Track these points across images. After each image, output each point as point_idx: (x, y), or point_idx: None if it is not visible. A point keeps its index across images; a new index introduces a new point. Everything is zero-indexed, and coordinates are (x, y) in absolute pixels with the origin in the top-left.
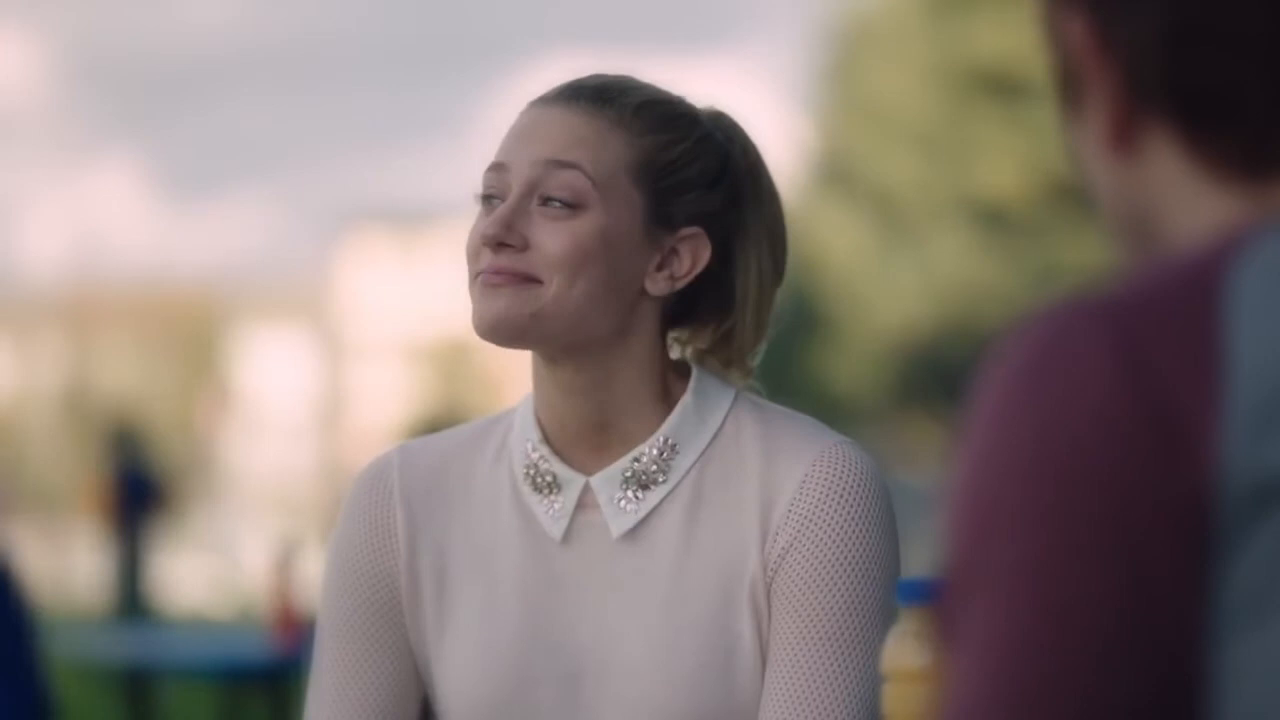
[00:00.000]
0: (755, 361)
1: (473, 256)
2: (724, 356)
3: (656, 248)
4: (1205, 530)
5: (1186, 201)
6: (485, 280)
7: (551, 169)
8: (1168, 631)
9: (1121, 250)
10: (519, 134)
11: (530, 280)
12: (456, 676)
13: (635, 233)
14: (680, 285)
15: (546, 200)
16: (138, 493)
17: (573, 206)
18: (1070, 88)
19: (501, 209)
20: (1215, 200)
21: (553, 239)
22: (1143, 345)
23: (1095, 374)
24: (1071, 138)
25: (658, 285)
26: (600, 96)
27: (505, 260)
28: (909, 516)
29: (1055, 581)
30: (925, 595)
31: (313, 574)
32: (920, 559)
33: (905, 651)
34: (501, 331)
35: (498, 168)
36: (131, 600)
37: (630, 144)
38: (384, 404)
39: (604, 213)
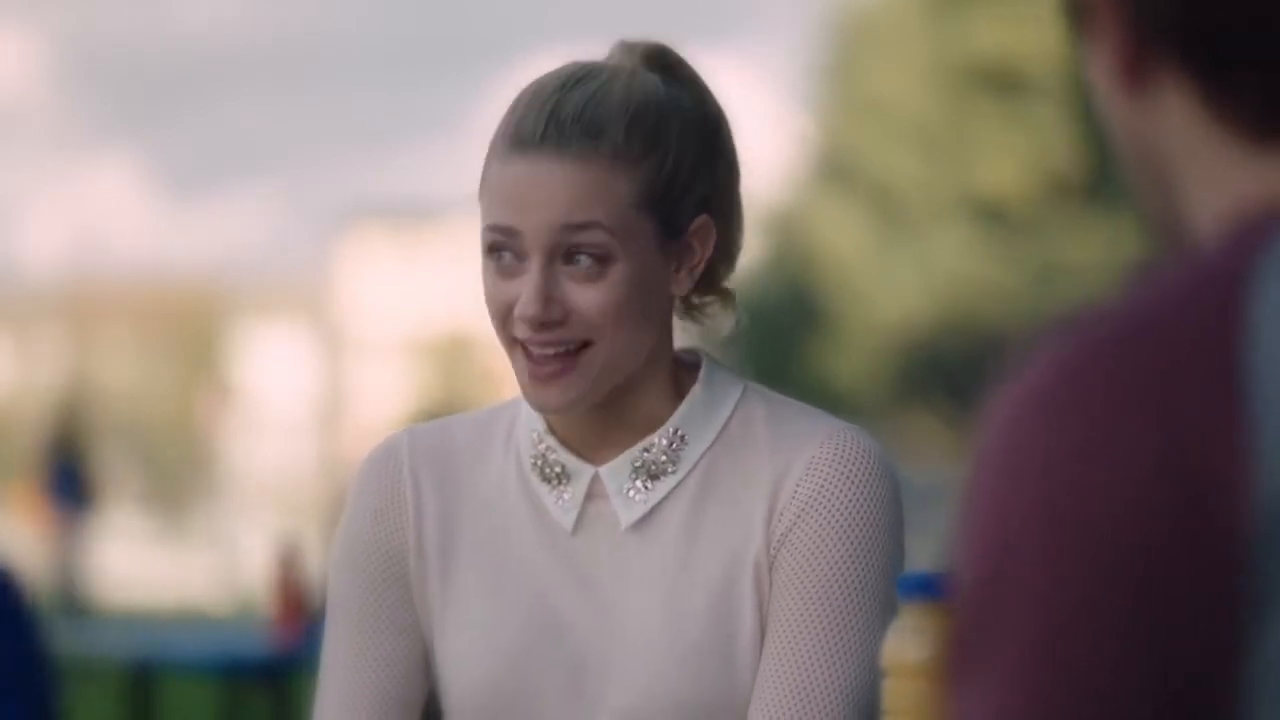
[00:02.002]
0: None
1: (501, 317)
2: (703, 289)
3: (672, 256)
4: (1237, 580)
5: (1199, 154)
6: (534, 373)
7: (570, 231)
8: (1199, 710)
9: (1140, 201)
10: (519, 196)
11: (579, 344)
12: (460, 661)
13: (655, 258)
14: (699, 273)
15: (572, 258)
16: (69, 491)
17: (600, 260)
18: (1081, 16)
19: (534, 285)
20: (1229, 157)
21: (590, 302)
22: (1159, 376)
23: (1107, 413)
24: (1086, 72)
25: (681, 285)
26: (587, 132)
27: (551, 335)
28: (909, 511)
29: (1070, 638)
30: (925, 590)
31: (313, 570)
32: (920, 553)
33: (905, 646)
34: (563, 413)
35: (507, 231)
36: (61, 595)
37: (631, 178)
38: (384, 401)
39: (629, 258)
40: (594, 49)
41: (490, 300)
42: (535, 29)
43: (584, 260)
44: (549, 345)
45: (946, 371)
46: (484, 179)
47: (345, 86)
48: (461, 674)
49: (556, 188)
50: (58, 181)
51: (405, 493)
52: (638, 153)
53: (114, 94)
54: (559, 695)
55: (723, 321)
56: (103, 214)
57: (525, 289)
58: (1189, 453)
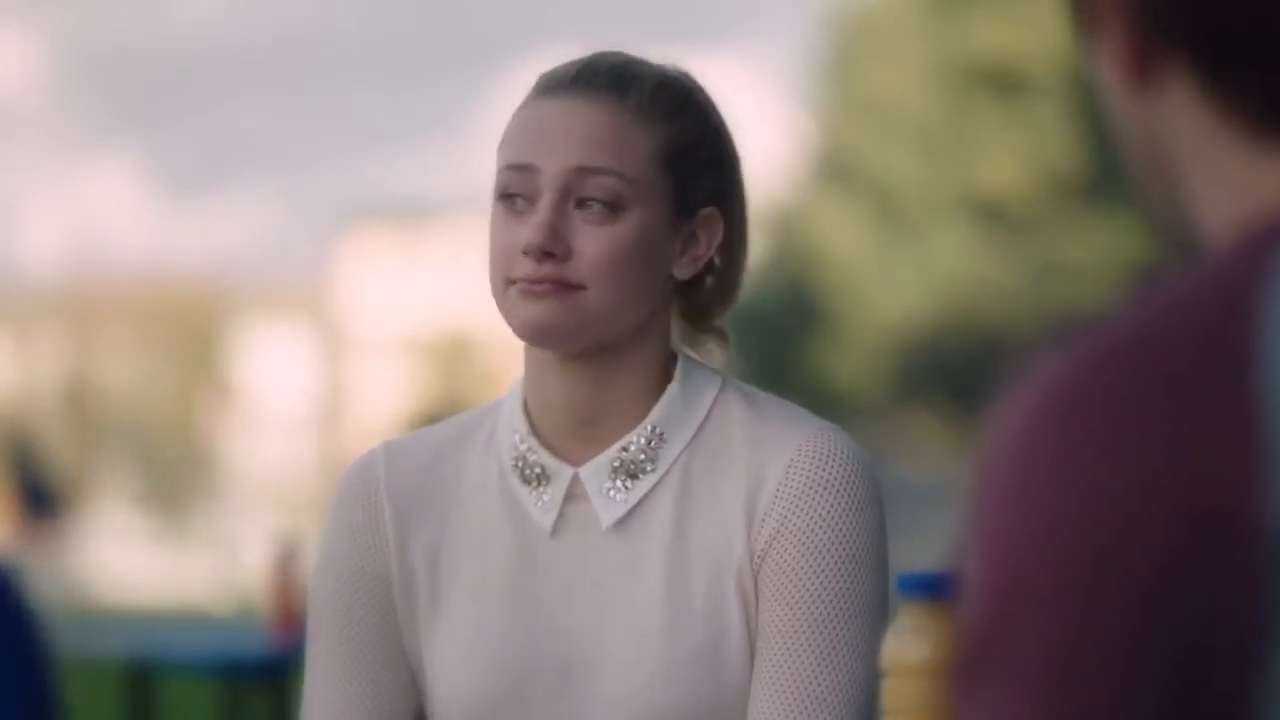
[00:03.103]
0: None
1: (503, 260)
2: (701, 325)
3: (679, 234)
4: (1248, 586)
5: (1205, 153)
6: (525, 289)
7: (585, 175)
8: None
9: (1147, 198)
10: (541, 133)
11: (573, 287)
12: (448, 672)
13: (665, 224)
14: (701, 265)
15: (583, 203)
16: (36, 497)
17: (612, 208)
18: (1086, 16)
19: (543, 215)
20: (1235, 156)
21: (595, 245)
22: (1166, 382)
23: (1115, 418)
24: (1092, 68)
25: (683, 269)
26: (617, 84)
27: (548, 269)
28: (909, 511)
29: (1079, 648)
30: (926, 590)
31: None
32: (921, 553)
33: (905, 646)
34: (547, 337)
35: (523, 169)
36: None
37: (653, 134)
38: (385, 400)
39: (640, 211)
40: (594, 48)
41: (495, 244)
42: (535, 29)
43: (596, 206)
44: (544, 282)
45: (947, 371)
46: (505, 131)
47: (345, 86)
48: (449, 684)
49: (578, 126)
50: (57, 181)
51: (383, 513)
52: (662, 113)
53: (114, 94)
54: (546, 701)
55: (716, 360)
56: (102, 213)
57: (531, 221)
58: (1198, 457)
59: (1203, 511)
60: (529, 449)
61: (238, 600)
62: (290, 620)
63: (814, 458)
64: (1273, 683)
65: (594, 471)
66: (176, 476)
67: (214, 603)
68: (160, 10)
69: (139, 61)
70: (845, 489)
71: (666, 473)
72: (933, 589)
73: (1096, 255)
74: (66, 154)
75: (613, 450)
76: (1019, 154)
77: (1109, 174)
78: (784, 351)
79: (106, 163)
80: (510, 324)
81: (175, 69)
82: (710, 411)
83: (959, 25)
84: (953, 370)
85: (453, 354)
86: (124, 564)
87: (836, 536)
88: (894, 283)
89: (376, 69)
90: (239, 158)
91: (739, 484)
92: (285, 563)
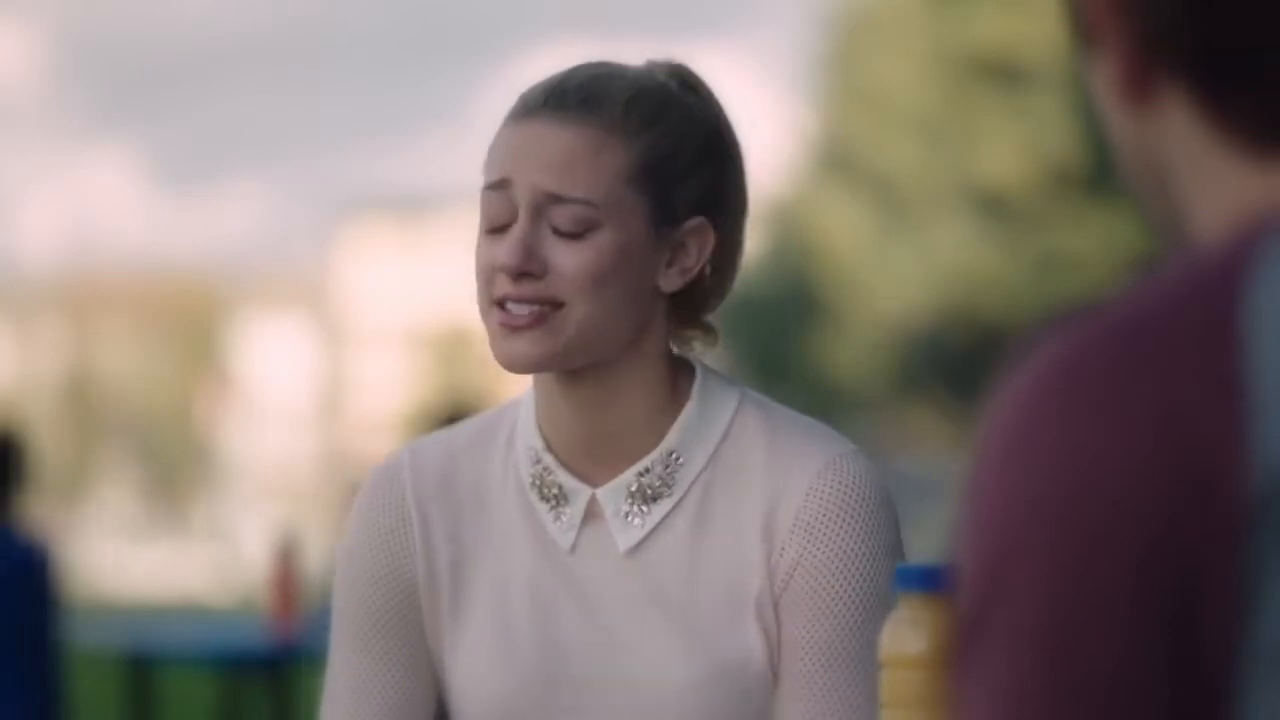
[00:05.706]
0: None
1: (485, 280)
2: (688, 322)
3: (665, 245)
4: (1236, 559)
5: (1201, 166)
6: (504, 321)
7: (554, 201)
8: (1201, 687)
9: (1143, 209)
10: (513, 156)
11: (552, 305)
12: (468, 676)
13: (645, 237)
14: (691, 276)
15: (555, 227)
16: None
17: (585, 223)
18: (1085, 30)
19: (516, 235)
20: (1231, 170)
21: (571, 260)
22: (1159, 365)
23: (1108, 399)
24: (1089, 83)
25: (671, 282)
26: (587, 102)
27: (527, 288)
28: (908, 503)
29: (1068, 642)
30: (923, 582)
31: (312, 562)
32: (919, 546)
33: (902, 638)
34: (530, 368)
35: (500, 185)
36: None
37: (626, 149)
38: (384, 391)
39: (613, 229)
40: (593, 42)
41: (478, 265)
42: (536, 22)
43: (568, 224)
44: (524, 302)
45: (947, 362)
46: (487, 153)
47: (344, 79)
48: (470, 688)
49: (547, 149)
50: (56, 173)
51: (410, 517)
52: (635, 127)
53: (112, 85)
54: (564, 712)
55: (700, 352)
56: (101, 206)
57: (507, 241)
58: (1190, 433)
59: (1194, 483)
60: (545, 469)
61: (237, 592)
62: (289, 612)
63: (834, 485)
64: (1261, 644)
65: (612, 494)
66: (176, 468)
67: (213, 595)
68: (159, 2)
69: (137, 54)
70: (865, 520)
71: (684, 496)
72: (930, 581)
73: (1097, 246)
74: (65, 146)
75: (629, 474)
76: (1019, 145)
77: (1109, 165)
78: (783, 344)
79: (105, 155)
80: (495, 356)
81: (174, 61)
82: (729, 430)
83: (959, 17)
84: (952, 362)
85: (452, 346)
86: (123, 556)
87: (857, 570)
88: (894, 275)
89: (376, 61)
90: (238, 150)
91: (756, 506)
92: (285, 555)
